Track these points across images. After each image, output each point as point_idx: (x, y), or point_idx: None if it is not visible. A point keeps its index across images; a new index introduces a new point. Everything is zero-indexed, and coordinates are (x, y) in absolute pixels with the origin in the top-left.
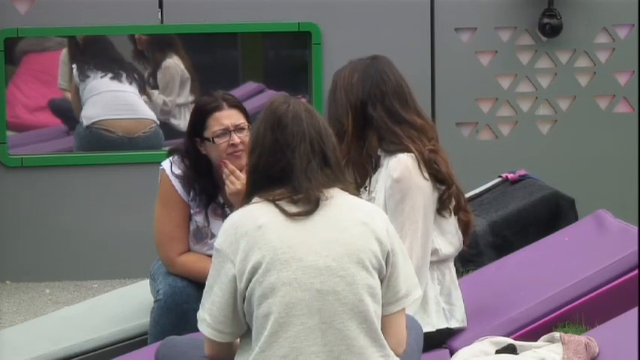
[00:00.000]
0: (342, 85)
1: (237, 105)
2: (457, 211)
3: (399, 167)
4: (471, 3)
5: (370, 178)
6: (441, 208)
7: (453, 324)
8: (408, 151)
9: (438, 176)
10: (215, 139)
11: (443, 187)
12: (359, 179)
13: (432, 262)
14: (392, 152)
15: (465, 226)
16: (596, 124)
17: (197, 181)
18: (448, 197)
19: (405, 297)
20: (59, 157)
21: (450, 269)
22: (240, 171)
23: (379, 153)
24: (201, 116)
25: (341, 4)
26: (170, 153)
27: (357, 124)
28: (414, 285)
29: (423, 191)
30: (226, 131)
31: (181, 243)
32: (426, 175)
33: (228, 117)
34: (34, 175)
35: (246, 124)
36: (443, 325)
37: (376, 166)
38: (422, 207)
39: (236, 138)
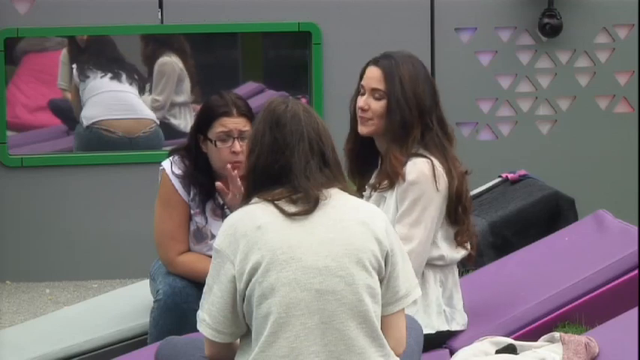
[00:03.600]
0: (411, 89)
1: (246, 114)
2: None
3: (415, 171)
4: (471, 3)
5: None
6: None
7: (454, 327)
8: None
9: (459, 201)
10: (217, 143)
11: (457, 228)
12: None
13: (436, 265)
14: (409, 156)
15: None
16: (596, 124)
17: (197, 178)
18: (466, 234)
19: (405, 297)
20: (59, 157)
21: (454, 272)
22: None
23: None
24: (208, 116)
25: (341, 4)
26: (171, 153)
27: (418, 132)
28: (413, 285)
29: (435, 199)
30: (229, 136)
31: (181, 243)
32: (440, 186)
33: (234, 123)
34: (34, 175)
35: None
36: (444, 328)
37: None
38: (431, 213)
39: (237, 145)
